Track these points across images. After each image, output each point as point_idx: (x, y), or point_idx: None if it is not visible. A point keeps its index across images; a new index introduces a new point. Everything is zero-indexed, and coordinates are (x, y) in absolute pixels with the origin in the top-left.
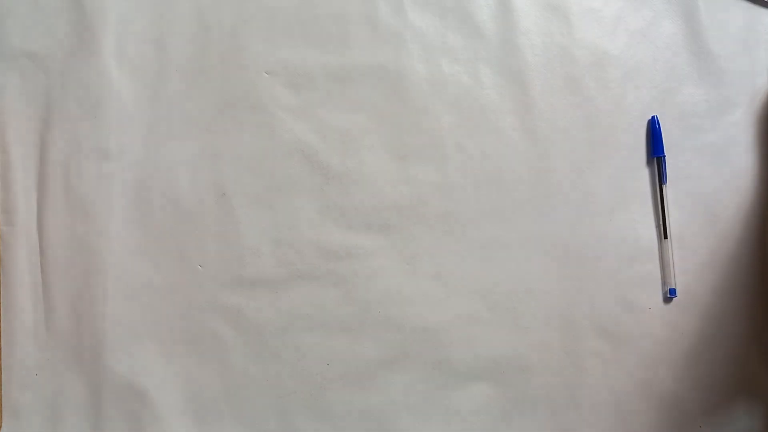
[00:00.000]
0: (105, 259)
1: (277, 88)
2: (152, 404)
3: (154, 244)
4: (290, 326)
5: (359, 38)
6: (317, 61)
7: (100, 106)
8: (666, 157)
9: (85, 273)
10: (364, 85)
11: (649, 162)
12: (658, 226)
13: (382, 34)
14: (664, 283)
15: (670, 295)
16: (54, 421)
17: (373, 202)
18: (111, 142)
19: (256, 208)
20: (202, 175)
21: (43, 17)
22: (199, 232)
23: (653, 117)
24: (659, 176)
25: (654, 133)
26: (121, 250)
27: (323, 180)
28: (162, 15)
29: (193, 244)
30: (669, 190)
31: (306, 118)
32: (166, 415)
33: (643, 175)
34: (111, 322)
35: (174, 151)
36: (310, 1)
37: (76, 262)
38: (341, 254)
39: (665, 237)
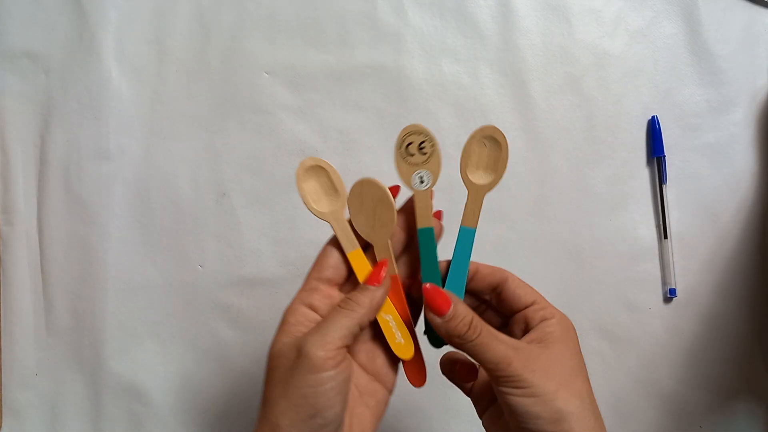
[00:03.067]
0: (105, 259)
1: (277, 88)
2: (152, 404)
3: (154, 244)
4: None
5: (359, 38)
6: (317, 61)
7: (100, 106)
8: (666, 157)
9: (85, 273)
10: (364, 85)
11: (649, 162)
12: (658, 226)
13: (382, 34)
14: (664, 283)
15: (670, 295)
16: (54, 421)
17: None
18: (111, 142)
19: (256, 208)
20: (202, 175)
21: (43, 17)
22: (199, 232)
23: (653, 117)
24: (659, 176)
25: (654, 133)
26: (121, 250)
27: None
28: (162, 15)
29: (193, 244)
30: (669, 190)
31: (306, 118)
32: (166, 415)
33: (643, 175)
34: (111, 321)
35: (174, 151)
36: (310, 1)
37: (76, 262)
38: None
39: (665, 237)
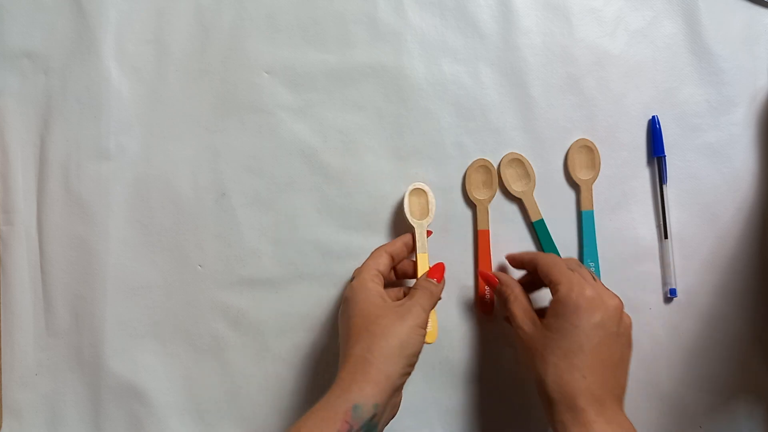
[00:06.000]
0: (105, 259)
1: (277, 88)
2: (152, 404)
3: (154, 244)
4: (290, 326)
5: (359, 38)
6: (317, 61)
7: (100, 106)
8: (666, 157)
9: (85, 273)
10: (364, 85)
11: (650, 162)
12: (658, 226)
13: (382, 34)
14: (664, 283)
15: (670, 295)
16: (54, 421)
17: (373, 202)
18: (111, 142)
19: (256, 208)
20: (202, 175)
21: (43, 17)
22: (199, 232)
23: (653, 117)
24: (659, 176)
25: (654, 133)
26: (121, 250)
27: (323, 180)
28: (162, 15)
29: (193, 244)
30: (669, 190)
31: (306, 118)
32: (166, 415)
33: (643, 175)
34: (111, 322)
35: (174, 151)
36: (310, 1)
37: (76, 262)
38: (341, 254)
39: (665, 237)
